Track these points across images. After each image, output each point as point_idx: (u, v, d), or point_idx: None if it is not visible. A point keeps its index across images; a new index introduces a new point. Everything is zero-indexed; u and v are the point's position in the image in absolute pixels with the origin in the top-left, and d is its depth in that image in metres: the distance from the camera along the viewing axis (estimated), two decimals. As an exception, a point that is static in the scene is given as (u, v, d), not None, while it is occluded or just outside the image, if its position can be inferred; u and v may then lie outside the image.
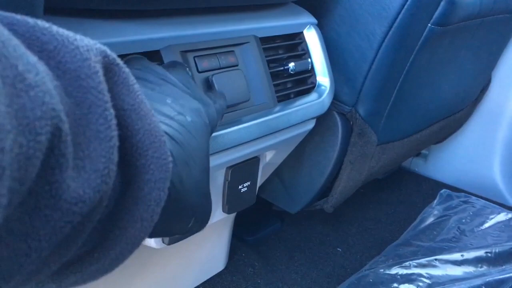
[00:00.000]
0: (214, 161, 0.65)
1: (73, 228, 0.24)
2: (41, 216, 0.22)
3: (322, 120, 0.86)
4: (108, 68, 0.28)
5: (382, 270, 0.96)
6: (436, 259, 0.97)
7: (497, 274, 0.91)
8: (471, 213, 1.14)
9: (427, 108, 1.11)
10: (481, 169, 1.44)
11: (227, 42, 0.65)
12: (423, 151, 1.57)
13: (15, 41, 0.21)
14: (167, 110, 0.38)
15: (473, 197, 1.21)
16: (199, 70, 0.60)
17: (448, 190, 1.23)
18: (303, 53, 0.78)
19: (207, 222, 0.44)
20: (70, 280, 0.28)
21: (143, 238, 0.30)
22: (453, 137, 1.47)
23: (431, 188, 1.49)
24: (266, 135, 0.69)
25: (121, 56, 0.52)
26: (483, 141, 1.42)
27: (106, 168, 0.25)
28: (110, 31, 0.52)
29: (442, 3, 0.83)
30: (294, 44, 0.78)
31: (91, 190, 0.24)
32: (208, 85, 0.61)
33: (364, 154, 0.99)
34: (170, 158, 0.30)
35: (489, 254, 0.96)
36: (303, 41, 0.78)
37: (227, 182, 0.75)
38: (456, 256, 0.97)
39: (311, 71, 0.79)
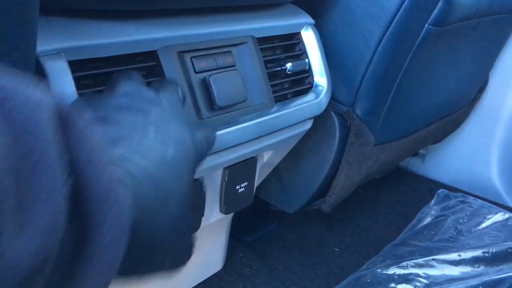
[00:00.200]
0: (211, 161, 0.65)
1: None
2: None
3: (320, 120, 0.86)
4: (62, 118, 0.26)
5: (379, 270, 0.96)
6: (433, 259, 0.97)
7: (494, 274, 0.91)
8: (468, 213, 1.14)
9: (424, 108, 1.11)
10: (478, 169, 1.44)
11: (224, 42, 0.64)
12: (421, 151, 1.57)
13: None
14: (148, 144, 0.36)
15: (471, 197, 1.21)
16: (196, 70, 0.60)
17: (446, 190, 1.23)
18: (301, 53, 0.78)
19: (185, 262, 0.41)
20: None
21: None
22: (451, 137, 1.47)
23: (429, 188, 1.49)
24: (263, 135, 0.69)
25: (120, 57, 0.52)
26: (481, 141, 1.42)
27: (51, 227, 0.23)
28: (107, 31, 0.52)
29: (439, 4, 0.83)
30: (292, 45, 0.78)
31: (31, 253, 0.22)
32: (205, 86, 0.61)
33: (361, 154, 0.99)
34: (129, 210, 0.29)
35: (486, 254, 0.96)
36: (300, 41, 0.78)
37: (224, 182, 0.75)
38: (454, 256, 0.97)
39: (308, 71, 0.79)
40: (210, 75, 0.61)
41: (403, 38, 0.84)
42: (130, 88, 0.41)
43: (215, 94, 0.61)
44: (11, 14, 0.32)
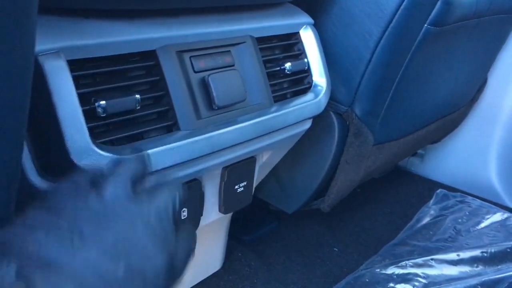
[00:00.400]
0: (210, 161, 0.65)
1: None
2: None
3: (319, 120, 0.86)
4: None
5: (378, 270, 0.96)
6: (432, 259, 0.97)
7: (492, 274, 0.91)
8: (467, 213, 1.14)
9: (423, 108, 1.11)
10: (477, 169, 1.44)
11: (223, 42, 0.64)
12: (420, 151, 1.57)
13: None
14: (93, 259, 0.31)
15: (469, 197, 1.21)
16: (195, 70, 0.60)
17: (444, 190, 1.24)
18: (300, 53, 0.78)
19: None
20: None
21: None
22: (450, 137, 1.47)
23: (428, 188, 1.49)
24: (262, 135, 0.69)
25: (119, 56, 0.52)
26: (479, 141, 1.42)
27: None
28: (106, 30, 0.52)
29: (438, 4, 0.83)
30: (291, 44, 0.78)
31: None
32: (204, 85, 0.61)
33: (360, 154, 0.99)
34: None
35: (485, 254, 0.97)
36: (299, 41, 0.78)
37: (223, 182, 0.75)
38: (452, 256, 0.97)
39: (307, 71, 0.79)
40: (209, 75, 0.61)
41: (402, 38, 0.84)
42: (116, 185, 0.37)
43: (214, 94, 0.60)
44: (10, 13, 0.32)
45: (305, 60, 0.78)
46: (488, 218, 1.12)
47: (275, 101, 0.72)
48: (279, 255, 1.15)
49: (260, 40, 0.71)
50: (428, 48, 0.90)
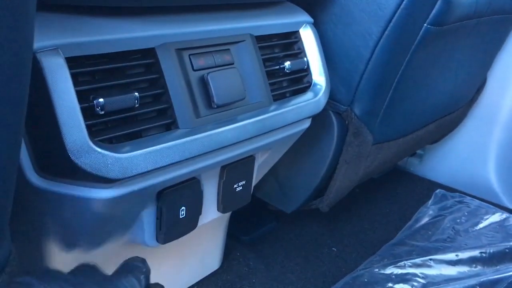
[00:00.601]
0: (209, 160, 0.65)
1: None
2: None
3: (318, 119, 0.86)
4: None
5: (377, 270, 0.96)
6: (431, 259, 0.97)
7: (491, 274, 0.91)
8: (466, 213, 1.14)
9: (422, 108, 1.11)
10: (476, 169, 1.44)
11: (222, 40, 0.64)
12: (419, 151, 1.57)
13: None
14: None
15: (468, 197, 1.21)
16: (194, 68, 0.60)
17: (443, 190, 1.23)
18: (299, 52, 0.78)
19: None
20: None
21: None
22: (449, 137, 1.47)
23: (426, 188, 1.49)
24: (261, 134, 0.69)
25: (118, 54, 0.52)
26: (478, 141, 1.42)
27: None
28: (105, 28, 0.52)
29: (438, 3, 0.83)
30: (290, 43, 0.78)
31: None
32: (203, 83, 0.61)
33: (359, 153, 0.99)
34: None
35: (484, 254, 0.96)
36: (299, 40, 0.78)
37: (222, 181, 0.75)
38: (451, 256, 0.97)
39: (307, 70, 0.79)
40: (208, 73, 0.60)
41: (401, 38, 0.84)
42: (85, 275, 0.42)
43: (213, 92, 0.60)
44: (8, 9, 0.31)
45: (305, 59, 0.78)
46: (486, 218, 1.12)
47: (275, 100, 0.72)
48: (277, 255, 1.14)
49: (260, 39, 0.71)
50: (428, 48, 0.90)
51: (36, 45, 0.45)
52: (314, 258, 1.15)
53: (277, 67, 0.74)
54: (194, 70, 0.60)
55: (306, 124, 0.82)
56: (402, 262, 0.96)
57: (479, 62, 1.21)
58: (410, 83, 0.95)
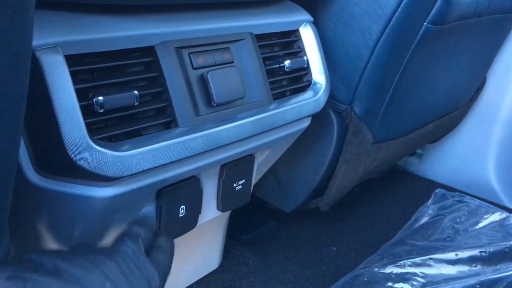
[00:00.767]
0: (208, 159, 0.65)
1: None
2: None
3: (318, 118, 0.86)
4: None
5: (376, 269, 0.96)
6: (430, 258, 0.96)
7: (491, 273, 0.91)
8: (465, 213, 1.14)
9: (422, 107, 1.11)
10: (475, 168, 1.44)
11: (222, 38, 0.64)
12: (418, 151, 1.57)
13: None
14: None
15: (468, 197, 1.21)
16: (194, 66, 0.60)
17: (443, 190, 1.23)
18: (299, 51, 0.78)
19: None
20: None
21: None
22: (448, 136, 1.47)
23: (426, 187, 1.49)
24: (261, 132, 0.69)
25: (117, 52, 0.52)
26: (478, 141, 1.42)
27: None
28: (104, 26, 0.52)
29: (438, 2, 0.82)
30: (290, 42, 0.78)
31: None
32: (203, 82, 0.60)
33: (359, 152, 0.99)
34: None
35: (483, 254, 0.96)
36: (299, 38, 0.78)
37: (221, 180, 0.74)
38: (451, 255, 0.97)
39: (306, 69, 0.79)
40: (208, 72, 0.60)
41: (401, 37, 0.83)
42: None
43: (213, 91, 0.60)
44: (7, 7, 0.31)
45: (305, 57, 0.78)
46: (486, 218, 1.12)
47: (274, 99, 0.71)
48: (277, 254, 1.14)
49: (260, 37, 0.70)
50: (428, 47, 0.90)
51: (35, 43, 0.45)
52: (314, 258, 1.15)
53: (277, 65, 0.74)
54: (194, 69, 0.60)
55: (306, 123, 0.82)
56: (402, 262, 0.96)
57: (479, 61, 1.21)
58: (410, 82, 0.95)
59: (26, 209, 0.57)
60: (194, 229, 0.73)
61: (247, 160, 0.77)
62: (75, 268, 0.39)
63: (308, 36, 0.78)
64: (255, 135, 0.68)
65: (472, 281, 0.89)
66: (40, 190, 0.53)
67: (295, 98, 0.75)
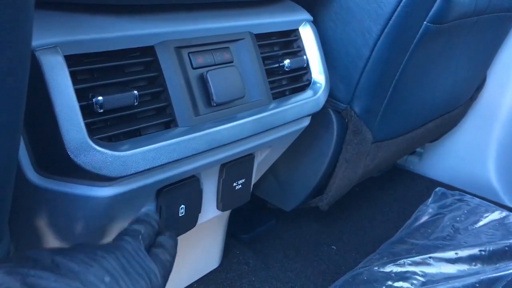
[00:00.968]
0: (208, 158, 0.65)
1: None
2: None
3: (317, 117, 0.86)
4: None
5: (376, 268, 0.96)
6: (430, 257, 0.97)
7: (491, 272, 0.91)
8: (465, 211, 1.14)
9: (422, 106, 1.11)
10: (475, 167, 1.44)
11: (222, 38, 0.64)
12: (418, 150, 1.57)
13: None
14: None
15: (468, 196, 1.21)
16: (194, 66, 0.60)
17: (443, 188, 1.23)
18: (299, 50, 0.78)
19: None
20: None
21: None
22: (448, 135, 1.47)
23: (426, 186, 1.49)
24: (261, 132, 0.69)
25: (117, 52, 0.52)
26: (478, 140, 1.42)
27: None
28: (104, 26, 0.52)
29: (437, 1, 0.82)
30: (290, 41, 0.78)
31: None
32: (203, 82, 0.61)
33: (359, 152, 0.99)
34: None
35: (483, 252, 0.96)
36: (298, 38, 0.78)
37: (221, 179, 0.74)
38: (450, 254, 0.97)
39: (306, 68, 0.79)
40: (207, 71, 0.60)
41: (401, 36, 0.83)
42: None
43: (213, 90, 0.60)
44: (6, 7, 0.31)
45: (304, 57, 0.78)
46: (486, 216, 1.12)
47: (274, 98, 0.71)
48: (277, 253, 1.14)
49: (259, 37, 0.70)
50: (427, 46, 0.90)
51: (35, 43, 0.45)
52: (314, 257, 1.15)
53: (277, 65, 0.74)
54: (194, 68, 0.60)
55: (306, 122, 0.82)
56: (402, 260, 0.96)
57: (479, 60, 1.21)
58: (409, 81, 0.95)
59: (26, 209, 0.57)
60: (194, 228, 0.73)
61: (247, 159, 0.77)
62: (73, 262, 0.39)
63: (307, 36, 0.78)
64: (255, 134, 0.68)
65: (472, 279, 0.89)
66: (40, 190, 0.53)
67: (294, 97, 0.75)
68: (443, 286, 0.89)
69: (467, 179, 1.46)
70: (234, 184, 0.77)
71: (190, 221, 0.71)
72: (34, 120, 0.48)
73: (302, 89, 0.78)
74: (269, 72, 0.72)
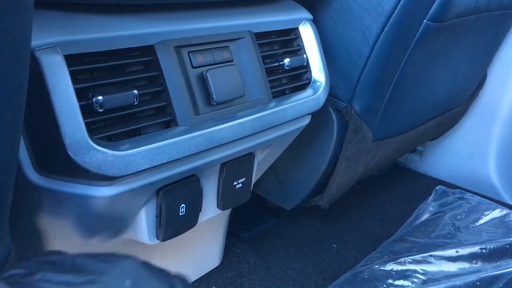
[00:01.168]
0: (208, 157, 0.65)
1: None
2: None
3: (317, 116, 0.86)
4: None
5: (377, 266, 0.96)
6: (431, 256, 0.97)
7: (491, 270, 0.91)
8: (466, 210, 1.14)
9: (422, 105, 1.11)
10: (476, 165, 1.44)
11: (222, 37, 0.64)
12: (419, 148, 1.57)
13: None
14: None
15: (468, 194, 1.21)
16: (194, 65, 0.60)
17: (443, 187, 1.23)
18: (299, 49, 0.78)
19: None
20: None
21: None
22: (449, 133, 1.47)
23: (427, 184, 1.49)
24: (261, 131, 0.69)
25: (116, 51, 0.52)
26: (478, 138, 1.42)
27: None
28: (104, 25, 0.52)
29: (437, -1, 0.82)
30: (290, 40, 0.78)
31: None
32: (203, 81, 0.61)
33: (359, 150, 0.99)
34: None
35: (484, 251, 0.97)
36: (298, 36, 0.78)
37: (221, 178, 0.75)
38: (451, 252, 0.97)
39: (306, 67, 0.79)
40: (207, 70, 0.60)
41: (401, 34, 0.83)
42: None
43: (212, 90, 0.60)
44: (6, 7, 0.31)
45: (304, 55, 0.78)
46: (487, 214, 1.12)
47: (274, 97, 0.71)
48: (277, 252, 1.15)
49: (259, 36, 0.70)
50: (428, 44, 0.90)
51: (35, 43, 0.45)
52: (314, 255, 1.15)
53: (277, 64, 0.74)
54: (193, 68, 0.60)
55: (306, 121, 0.82)
56: (402, 259, 0.96)
57: (479, 58, 1.21)
58: (410, 79, 0.95)
59: (27, 209, 0.57)
60: (195, 227, 0.73)
61: (247, 158, 0.77)
62: (94, 266, 0.39)
63: (307, 34, 0.78)
64: (255, 133, 0.68)
65: (473, 278, 0.89)
66: (40, 190, 0.53)
67: (294, 96, 0.75)
68: (443, 284, 0.89)
69: (468, 177, 1.46)
70: (235, 183, 0.77)
71: (190, 220, 0.72)
72: (34, 120, 0.48)
73: (302, 87, 0.78)
74: (269, 71, 0.72)
